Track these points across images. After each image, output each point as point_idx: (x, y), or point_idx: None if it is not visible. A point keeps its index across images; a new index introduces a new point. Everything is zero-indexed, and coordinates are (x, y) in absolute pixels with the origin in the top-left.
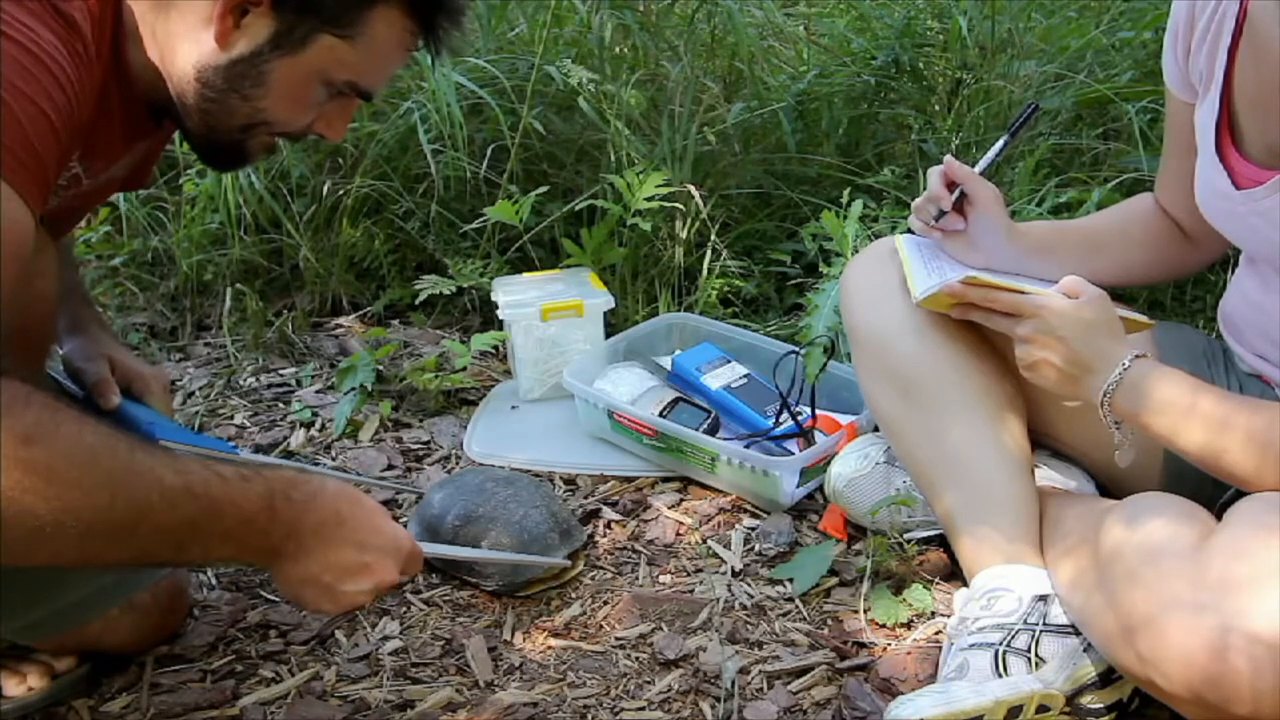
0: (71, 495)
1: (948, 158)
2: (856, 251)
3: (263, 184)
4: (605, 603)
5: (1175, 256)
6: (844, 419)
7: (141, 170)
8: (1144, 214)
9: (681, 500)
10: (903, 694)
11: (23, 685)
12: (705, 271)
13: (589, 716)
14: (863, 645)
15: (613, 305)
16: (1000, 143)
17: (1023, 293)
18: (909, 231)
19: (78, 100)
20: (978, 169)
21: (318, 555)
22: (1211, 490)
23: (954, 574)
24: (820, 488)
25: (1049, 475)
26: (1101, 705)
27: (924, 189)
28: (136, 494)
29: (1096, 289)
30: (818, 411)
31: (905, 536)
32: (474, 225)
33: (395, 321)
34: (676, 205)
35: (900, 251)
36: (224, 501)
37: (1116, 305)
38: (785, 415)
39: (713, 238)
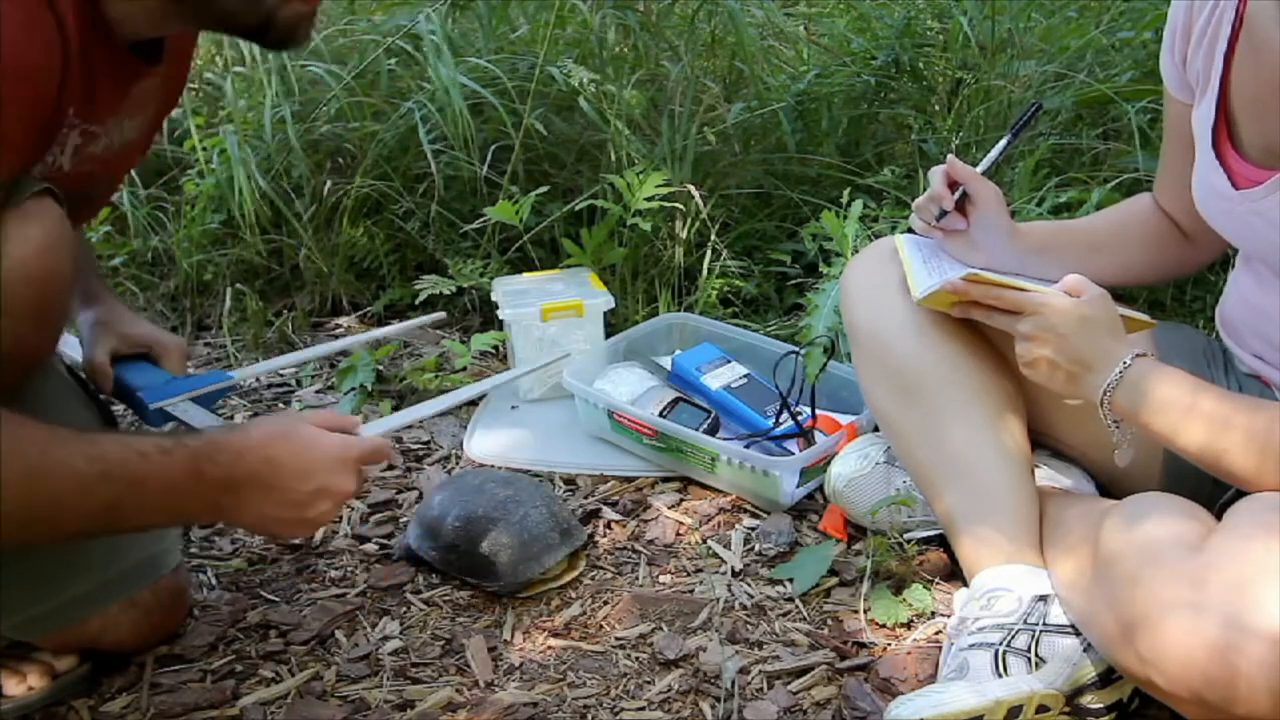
0: None
1: (950, 157)
2: (856, 251)
3: (265, 184)
4: (605, 603)
5: (1174, 256)
6: (844, 419)
7: (153, 127)
8: (1143, 214)
9: (681, 500)
10: (903, 694)
11: (23, 685)
12: (705, 271)
13: (589, 716)
14: (863, 645)
15: (613, 305)
16: (1002, 142)
17: (1025, 290)
18: (909, 231)
19: (25, 45)
20: (980, 169)
21: (263, 500)
22: (1211, 490)
23: (954, 574)
24: (820, 488)
25: (1049, 475)
26: (1101, 705)
27: (925, 189)
28: (50, 487)
29: (1098, 288)
30: (818, 411)
31: (905, 536)
32: (474, 225)
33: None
34: (676, 205)
35: (900, 251)
36: (145, 476)
37: (1118, 304)
38: (785, 415)
39: (713, 238)
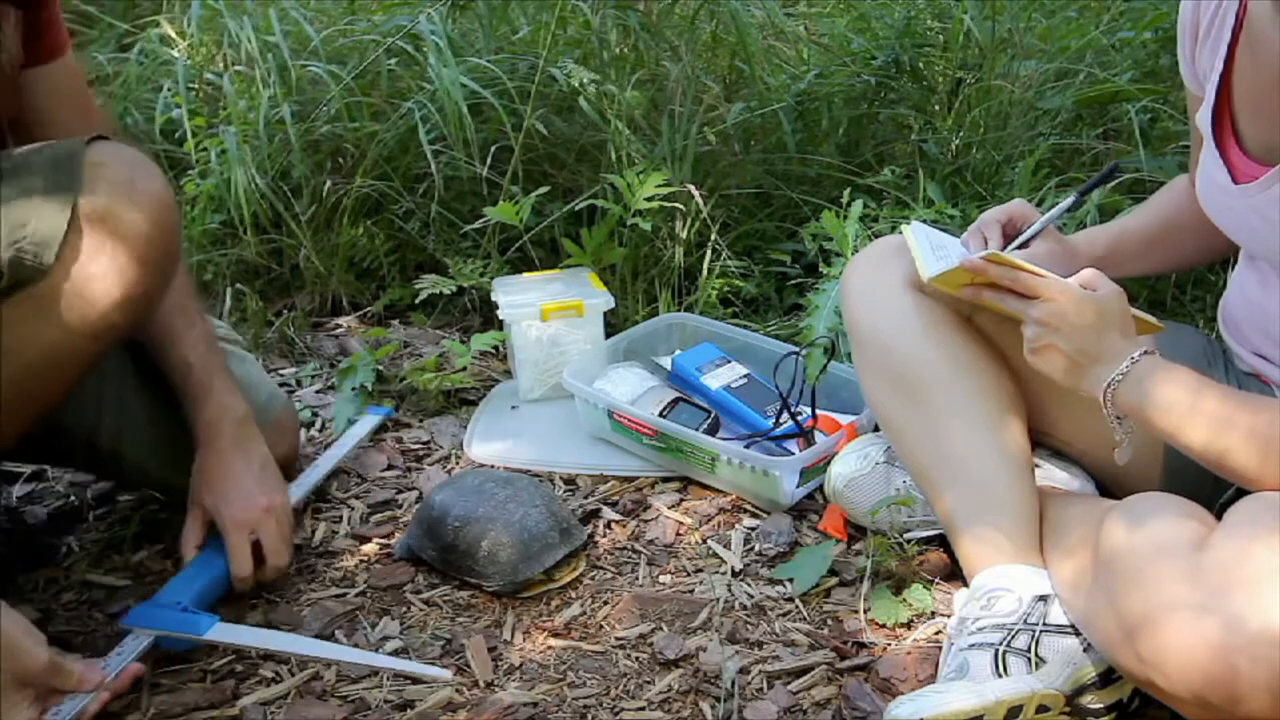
0: None
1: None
2: (856, 251)
3: (264, 184)
4: (605, 603)
5: (1225, 240)
6: (844, 419)
7: (30, 37)
8: (1191, 201)
9: (681, 500)
10: (903, 694)
11: None
12: (705, 271)
13: (589, 716)
14: (863, 645)
15: (613, 305)
16: (1068, 201)
17: (1043, 276)
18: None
19: None
20: (1037, 226)
21: None
22: (1211, 490)
23: (954, 574)
24: (820, 488)
25: (1049, 475)
26: (1101, 705)
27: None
28: None
29: (1114, 285)
30: (818, 411)
31: (905, 536)
32: (474, 225)
33: (395, 321)
34: (676, 205)
35: (908, 237)
36: None
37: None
38: (785, 415)
39: (713, 238)
